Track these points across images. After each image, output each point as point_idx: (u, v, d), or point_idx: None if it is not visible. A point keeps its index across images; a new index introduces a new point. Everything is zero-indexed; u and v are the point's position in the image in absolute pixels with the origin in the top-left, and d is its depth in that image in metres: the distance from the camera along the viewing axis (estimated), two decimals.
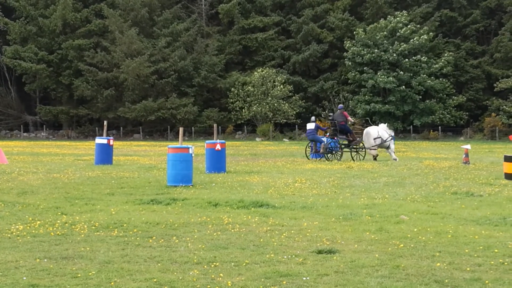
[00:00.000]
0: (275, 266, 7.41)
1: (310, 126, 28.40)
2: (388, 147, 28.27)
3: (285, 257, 7.87)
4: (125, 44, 64.57)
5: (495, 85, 61.45)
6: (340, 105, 31.09)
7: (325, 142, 27.39)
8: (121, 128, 67.49)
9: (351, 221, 10.70)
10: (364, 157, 27.95)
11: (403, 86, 60.91)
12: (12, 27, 68.05)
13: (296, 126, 64.32)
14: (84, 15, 69.26)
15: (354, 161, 26.87)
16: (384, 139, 27.83)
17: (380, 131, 28.18)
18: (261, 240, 9.00)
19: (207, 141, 21.44)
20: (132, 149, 40.66)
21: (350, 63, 63.97)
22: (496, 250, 8.22)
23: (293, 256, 7.93)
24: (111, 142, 24.91)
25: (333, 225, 10.29)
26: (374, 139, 27.70)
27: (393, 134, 29.27)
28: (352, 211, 11.67)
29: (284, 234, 9.45)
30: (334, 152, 27.41)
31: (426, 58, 62.23)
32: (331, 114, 31.57)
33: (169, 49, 67.15)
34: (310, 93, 67.77)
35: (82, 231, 9.64)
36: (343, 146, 27.83)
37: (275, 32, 70.26)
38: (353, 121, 31.09)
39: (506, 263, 7.52)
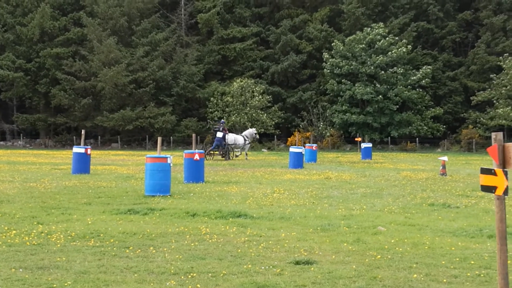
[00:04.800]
0: (252, 277, 7.40)
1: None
2: (242, 149, 39.38)
3: (263, 268, 7.86)
4: (103, 53, 64.29)
5: (471, 98, 62.03)
6: (222, 120, 43.70)
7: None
8: (99, 137, 67.11)
9: (328, 232, 10.72)
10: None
11: (381, 96, 61.25)
12: None
13: (275, 136, 64.42)
14: (62, 24, 68.82)
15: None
16: (239, 143, 38.71)
17: (237, 138, 38.89)
18: (239, 250, 8.99)
19: (186, 151, 21.40)
20: (110, 158, 40.45)
21: (328, 72, 64.21)
22: (472, 262, 8.27)
23: (271, 267, 7.92)
24: (89, 151, 24.76)
25: (311, 236, 10.30)
26: (229, 144, 37.73)
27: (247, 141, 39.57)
28: (330, 222, 11.70)
29: (262, 245, 9.44)
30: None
31: (403, 70, 62.71)
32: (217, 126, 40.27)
33: (148, 58, 66.99)
34: (289, 104, 67.98)
35: (58, 241, 9.57)
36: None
37: (254, 42, 70.40)
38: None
39: (482, 275, 7.56)
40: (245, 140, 39.41)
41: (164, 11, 73.93)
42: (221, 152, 38.01)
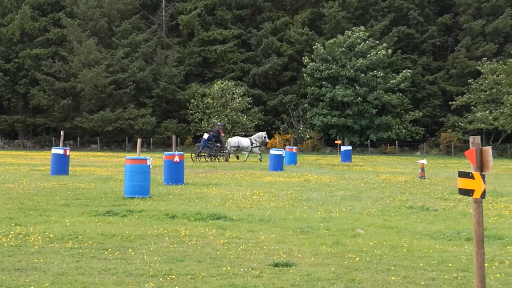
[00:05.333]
0: (231, 279, 7.39)
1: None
2: (250, 151, 40.14)
3: (242, 270, 7.85)
4: (83, 54, 64.00)
5: (450, 103, 62.47)
6: (218, 123, 44.80)
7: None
8: (78, 138, 66.73)
9: (308, 234, 10.74)
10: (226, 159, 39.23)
11: (360, 98, 61.58)
12: None
13: None
14: (42, 24, 68.45)
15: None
16: (243, 146, 39.69)
17: (240, 140, 40.14)
18: (218, 252, 8.98)
19: (166, 153, 21.34)
20: (89, 159, 40.24)
21: (309, 79, 64.50)
22: (450, 264, 8.33)
23: (250, 269, 7.92)
24: (68, 152, 24.59)
25: (290, 238, 10.31)
26: (232, 146, 39.70)
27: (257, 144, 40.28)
28: (309, 224, 11.71)
29: (241, 247, 9.44)
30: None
31: (382, 73, 63.03)
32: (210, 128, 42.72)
33: (128, 59, 66.76)
34: (269, 106, 68.11)
35: (36, 243, 9.49)
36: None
37: (235, 44, 70.47)
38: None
39: (459, 277, 7.62)
40: (252, 143, 40.01)
41: (145, 12, 73.74)
42: (207, 154, 39.09)
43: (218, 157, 39.08)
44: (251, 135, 44.16)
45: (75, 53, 64.89)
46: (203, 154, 39.18)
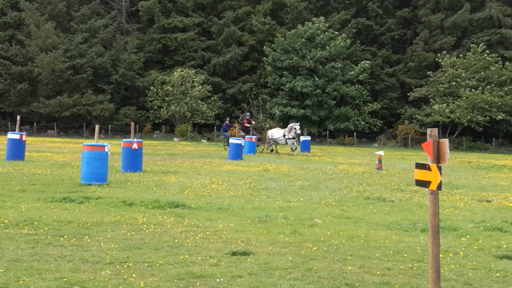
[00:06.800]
0: (189, 267, 7.38)
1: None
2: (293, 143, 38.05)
3: (199, 258, 7.85)
4: (41, 38, 62.98)
5: (408, 94, 63.27)
6: (247, 113, 44.82)
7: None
8: (35, 123, 65.69)
9: (266, 223, 10.77)
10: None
11: (319, 90, 61.93)
12: None
13: (215, 127, 64.33)
14: None
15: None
16: (275, 138, 38.73)
17: (273, 132, 39.42)
18: (176, 240, 8.95)
19: (124, 140, 21.16)
20: (45, 145, 39.69)
21: (270, 68, 64.66)
22: (405, 255, 8.43)
23: (208, 257, 7.92)
24: (24, 137, 24.23)
25: (248, 227, 10.33)
26: (270, 139, 39.27)
27: (290, 136, 37.72)
28: (267, 214, 11.75)
29: (199, 235, 9.43)
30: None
31: (341, 64, 63.44)
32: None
33: (86, 45, 65.93)
34: (228, 95, 68.06)
35: None
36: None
37: (196, 33, 70.12)
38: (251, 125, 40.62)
39: (414, 268, 7.72)
40: (284, 135, 38.09)
41: None
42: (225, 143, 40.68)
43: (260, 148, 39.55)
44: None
45: (32, 37, 63.82)
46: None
